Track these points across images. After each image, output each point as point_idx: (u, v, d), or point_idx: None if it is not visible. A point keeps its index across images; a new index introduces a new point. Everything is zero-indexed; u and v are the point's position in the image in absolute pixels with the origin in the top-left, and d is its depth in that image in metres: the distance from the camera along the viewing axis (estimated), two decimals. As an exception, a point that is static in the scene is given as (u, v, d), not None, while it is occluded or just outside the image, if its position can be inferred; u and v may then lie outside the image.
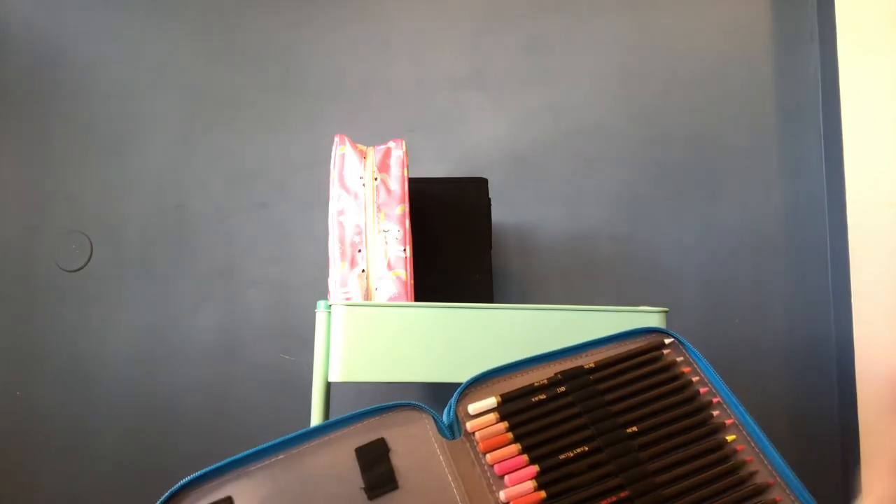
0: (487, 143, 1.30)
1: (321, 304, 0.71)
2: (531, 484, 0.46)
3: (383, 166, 0.81)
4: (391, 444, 0.47)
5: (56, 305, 1.27)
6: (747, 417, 0.50)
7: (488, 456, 0.47)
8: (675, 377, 0.54)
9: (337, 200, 0.79)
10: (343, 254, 0.77)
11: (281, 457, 0.46)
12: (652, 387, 0.53)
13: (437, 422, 0.49)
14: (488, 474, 0.47)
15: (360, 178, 0.79)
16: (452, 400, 0.50)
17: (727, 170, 1.28)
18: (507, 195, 1.28)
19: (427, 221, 0.93)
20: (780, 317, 1.23)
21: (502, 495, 0.45)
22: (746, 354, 1.22)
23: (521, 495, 0.45)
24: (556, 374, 0.53)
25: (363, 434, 0.47)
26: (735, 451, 0.49)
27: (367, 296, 0.76)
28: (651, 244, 1.26)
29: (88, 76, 1.35)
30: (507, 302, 1.25)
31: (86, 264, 1.28)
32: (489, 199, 1.00)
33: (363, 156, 0.82)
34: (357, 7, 1.35)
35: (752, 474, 0.47)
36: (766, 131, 1.29)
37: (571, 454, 0.47)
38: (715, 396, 0.52)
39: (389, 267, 0.77)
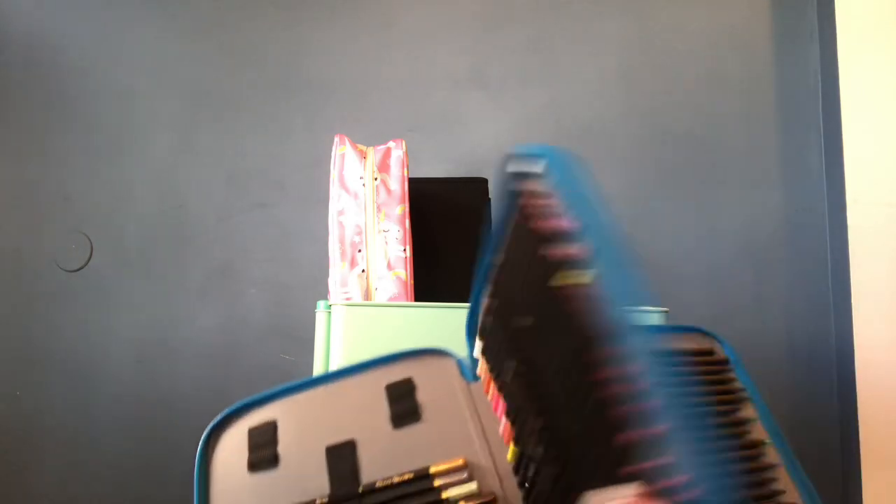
0: (487, 143, 1.30)
1: (321, 304, 0.71)
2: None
3: (383, 166, 0.81)
4: (417, 382, 0.52)
5: (56, 305, 1.27)
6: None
7: (488, 395, 0.51)
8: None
9: (337, 200, 0.79)
10: (343, 254, 0.77)
11: (320, 389, 0.52)
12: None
13: (459, 365, 0.53)
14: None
15: (360, 178, 0.79)
16: (470, 347, 0.54)
17: (727, 170, 1.28)
18: (507, 195, 1.28)
19: (427, 221, 0.93)
20: (780, 317, 1.23)
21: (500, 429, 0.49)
22: (746, 354, 1.22)
23: (507, 428, 0.48)
24: None
25: (393, 373, 0.53)
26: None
27: (367, 296, 0.76)
28: (651, 244, 1.26)
29: (88, 76, 1.34)
30: (507, 302, 1.24)
31: (86, 264, 1.28)
32: (489, 199, 1.00)
33: (363, 156, 0.82)
34: (357, 7, 1.35)
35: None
36: (766, 131, 1.29)
37: None
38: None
39: (389, 267, 0.77)
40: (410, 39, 1.34)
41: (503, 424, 0.49)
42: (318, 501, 0.46)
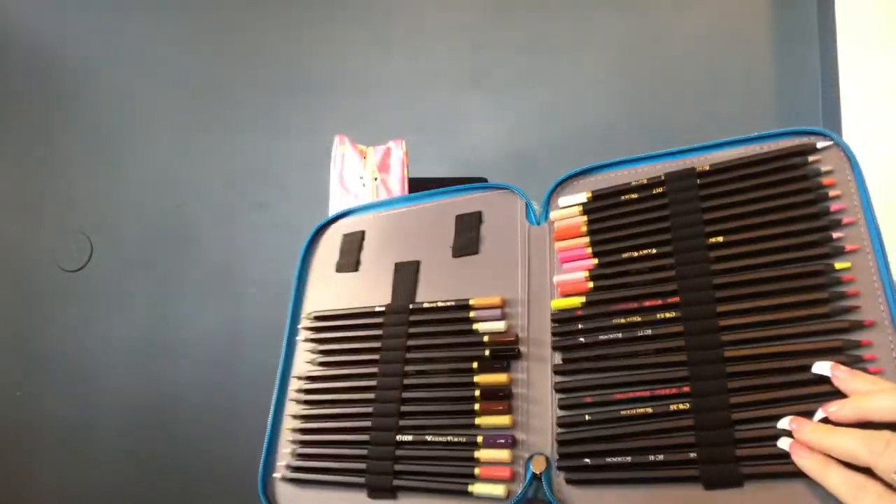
0: (487, 143, 1.30)
1: (321, 304, 0.71)
2: (583, 274, 0.48)
3: (383, 166, 0.81)
4: (484, 216, 0.55)
5: (56, 305, 1.27)
6: (880, 245, 0.41)
7: (557, 244, 0.50)
8: (809, 189, 0.43)
9: (337, 200, 0.79)
10: (343, 254, 0.77)
11: (404, 209, 0.59)
12: (770, 197, 0.44)
13: (528, 207, 0.53)
14: (554, 260, 0.50)
15: (360, 178, 0.80)
16: (549, 190, 0.53)
17: (727, 170, 1.28)
18: (507, 195, 1.28)
19: (427, 221, 0.93)
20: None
21: (555, 279, 0.49)
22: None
23: (570, 282, 0.48)
24: (663, 174, 0.50)
25: (466, 205, 0.56)
26: (840, 281, 0.40)
27: (367, 296, 0.76)
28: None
29: (89, 76, 1.34)
30: (507, 302, 1.24)
31: (86, 264, 1.28)
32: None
33: (363, 156, 0.82)
34: (357, 7, 1.35)
35: (851, 310, 0.39)
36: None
37: (636, 254, 0.47)
38: (853, 216, 0.43)
39: (389, 267, 0.76)
40: (410, 39, 1.34)
41: (569, 276, 0.48)
42: (377, 307, 0.54)
